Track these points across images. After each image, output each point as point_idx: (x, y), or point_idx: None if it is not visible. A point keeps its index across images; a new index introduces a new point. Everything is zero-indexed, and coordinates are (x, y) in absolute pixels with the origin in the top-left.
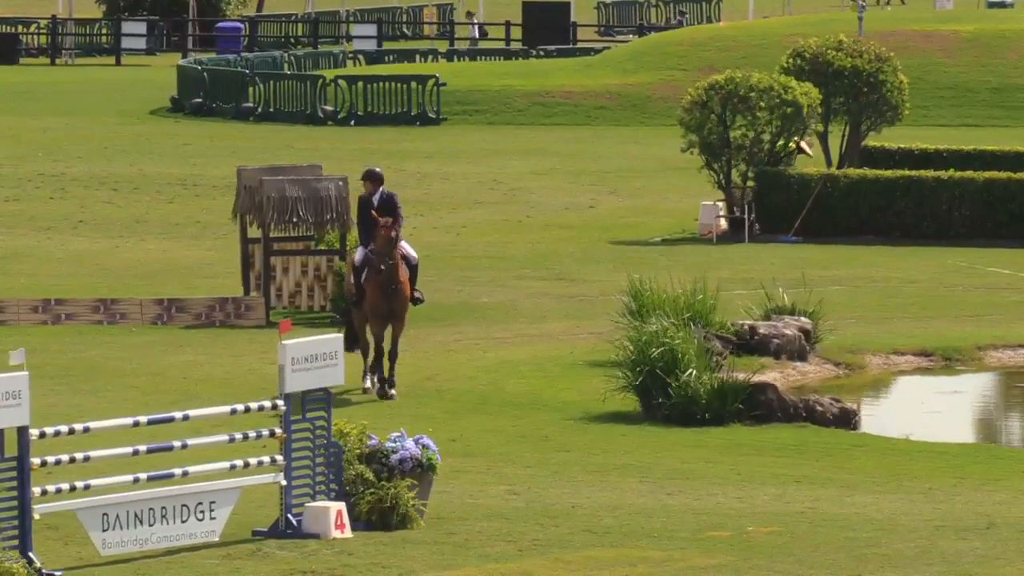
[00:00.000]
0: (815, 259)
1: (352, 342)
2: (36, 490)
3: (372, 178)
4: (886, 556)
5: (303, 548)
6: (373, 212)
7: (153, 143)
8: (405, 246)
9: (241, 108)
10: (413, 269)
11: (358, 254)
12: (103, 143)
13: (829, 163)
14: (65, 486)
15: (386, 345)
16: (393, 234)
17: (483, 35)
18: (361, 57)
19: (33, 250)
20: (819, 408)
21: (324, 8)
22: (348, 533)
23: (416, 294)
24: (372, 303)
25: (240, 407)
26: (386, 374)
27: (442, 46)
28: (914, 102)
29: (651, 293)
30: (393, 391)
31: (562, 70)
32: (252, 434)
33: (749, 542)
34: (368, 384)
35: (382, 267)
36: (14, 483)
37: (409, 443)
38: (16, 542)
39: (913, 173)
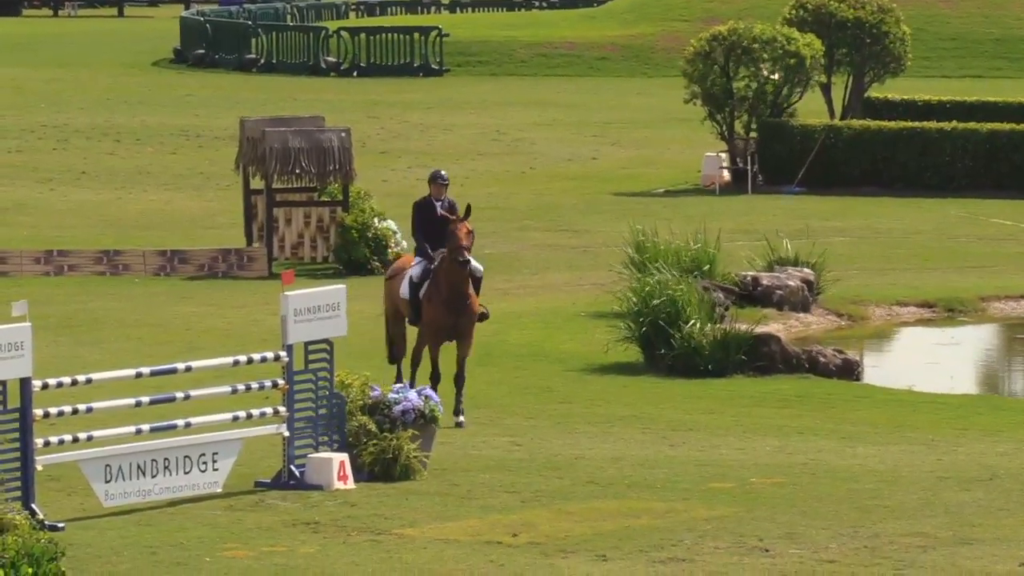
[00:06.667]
0: (818, 210)
1: (395, 355)
2: (39, 441)
3: (441, 180)
4: (888, 507)
5: (306, 499)
6: (442, 212)
7: (156, 94)
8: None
9: (244, 59)
10: (477, 282)
11: (415, 268)
12: (106, 94)
13: (832, 114)
14: (68, 437)
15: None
16: (470, 228)
17: None
18: (363, 8)
19: (36, 201)
20: (822, 359)
21: None
22: (351, 484)
23: (482, 308)
24: (434, 320)
25: (243, 358)
26: (454, 401)
27: None
28: (917, 53)
29: (653, 244)
30: (462, 418)
31: (565, 21)
32: (255, 385)
33: (752, 493)
34: None
35: (459, 259)
36: (17, 434)
37: (412, 394)
38: (19, 494)
39: (916, 124)
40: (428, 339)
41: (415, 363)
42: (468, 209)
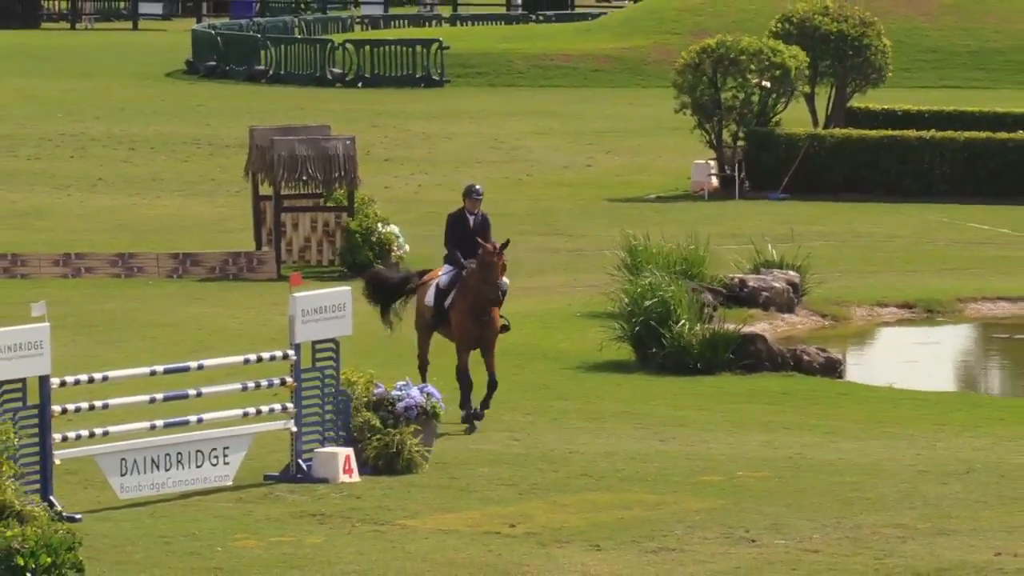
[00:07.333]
0: (802, 215)
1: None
2: (57, 436)
3: (476, 195)
4: (870, 500)
5: (313, 492)
6: (479, 239)
7: (169, 104)
8: None
9: (253, 71)
10: (502, 295)
11: (443, 277)
12: (121, 104)
13: (816, 123)
14: (85, 432)
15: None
16: (505, 263)
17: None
18: (368, 22)
19: (54, 207)
20: (806, 358)
21: None
22: (356, 477)
23: (503, 321)
24: (463, 330)
25: (252, 357)
26: (480, 400)
27: (444, 11)
28: (897, 65)
29: (645, 248)
30: (479, 421)
31: (561, 34)
32: (264, 383)
33: (739, 486)
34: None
35: (492, 297)
36: (36, 430)
37: (414, 391)
38: (38, 486)
39: (896, 133)
40: (459, 347)
41: (422, 368)
42: (506, 243)
